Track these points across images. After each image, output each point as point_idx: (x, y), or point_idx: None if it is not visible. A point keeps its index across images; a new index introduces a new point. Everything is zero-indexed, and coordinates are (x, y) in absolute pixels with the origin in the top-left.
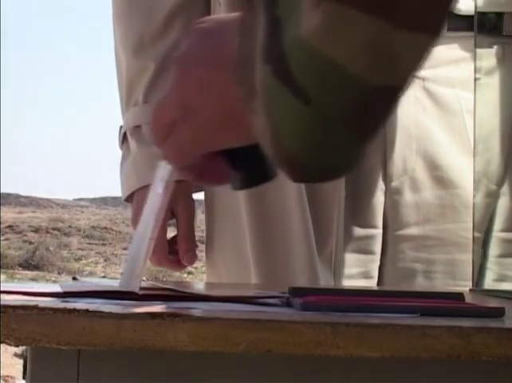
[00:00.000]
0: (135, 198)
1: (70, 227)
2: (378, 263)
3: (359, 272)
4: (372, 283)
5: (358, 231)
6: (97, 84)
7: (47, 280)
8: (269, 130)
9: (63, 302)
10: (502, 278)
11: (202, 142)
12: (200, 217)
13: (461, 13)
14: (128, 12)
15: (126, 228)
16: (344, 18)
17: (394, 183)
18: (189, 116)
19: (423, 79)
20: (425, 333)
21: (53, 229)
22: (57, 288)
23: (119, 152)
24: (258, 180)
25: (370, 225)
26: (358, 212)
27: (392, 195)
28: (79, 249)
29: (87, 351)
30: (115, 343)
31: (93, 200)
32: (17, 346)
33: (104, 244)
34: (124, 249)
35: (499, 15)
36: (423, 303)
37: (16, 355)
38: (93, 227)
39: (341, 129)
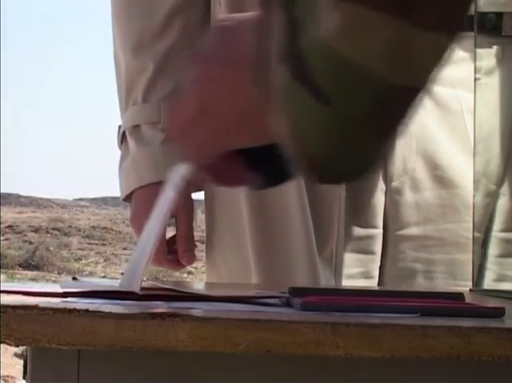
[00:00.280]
0: (133, 197)
1: (70, 227)
2: (378, 263)
3: (359, 272)
4: (372, 283)
5: (358, 231)
6: (97, 84)
7: (47, 280)
8: (289, 130)
9: (63, 302)
10: (501, 278)
11: (219, 141)
12: (200, 217)
13: None
14: (127, 12)
15: (126, 228)
16: (362, 19)
17: (394, 183)
18: (206, 114)
19: None
20: (425, 333)
21: (53, 229)
22: (57, 288)
23: (119, 152)
24: (276, 181)
25: (370, 225)
26: (358, 212)
27: (393, 195)
28: (79, 249)
29: (87, 351)
30: (115, 343)
31: (93, 200)
32: (17, 346)
33: (104, 244)
34: (124, 249)
35: (499, 15)
36: (423, 303)
37: (16, 355)
38: (93, 227)
39: (361, 130)
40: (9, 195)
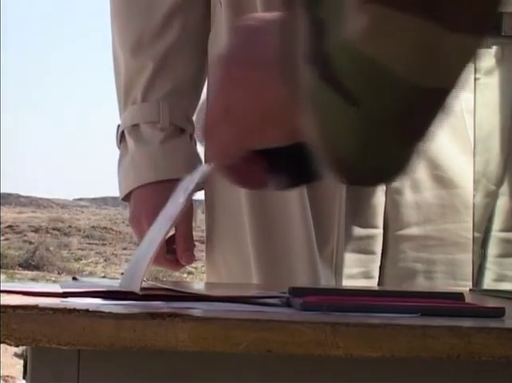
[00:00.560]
0: (132, 197)
1: (70, 227)
2: (378, 263)
3: (359, 272)
4: (372, 283)
5: (359, 231)
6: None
7: (47, 280)
8: (318, 131)
9: (63, 302)
10: (501, 278)
11: (243, 141)
12: (200, 217)
13: None
14: (127, 11)
15: (126, 228)
16: (389, 21)
17: (394, 183)
18: (231, 115)
19: None
20: (425, 333)
21: (53, 229)
22: (57, 288)
23: (119, 152)
24: (299, 181)
25: (371, 225)
26: (359, 212)
27: (393, 194)
28: (79, 249)
29: (87, 351)
30: (115, 343)
31: (93, 200)
32: (17, 346)
33: (104, 244)
34: (124, 249)
35: (499, 15)
36: (424, 303)
37: (16, 355)
38: (93, 227)
39: (388, 132)
40: (9, 195)
